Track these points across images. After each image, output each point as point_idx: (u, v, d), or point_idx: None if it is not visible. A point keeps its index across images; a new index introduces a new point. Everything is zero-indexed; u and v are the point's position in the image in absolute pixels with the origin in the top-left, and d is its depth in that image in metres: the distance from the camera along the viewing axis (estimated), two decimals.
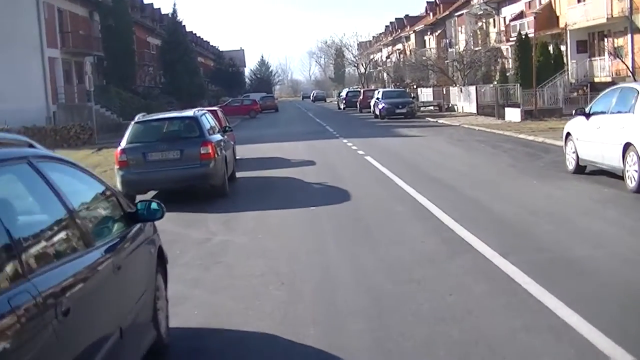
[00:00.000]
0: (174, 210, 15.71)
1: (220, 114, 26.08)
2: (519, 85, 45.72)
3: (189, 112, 18.94)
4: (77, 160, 6.60)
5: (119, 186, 17.13)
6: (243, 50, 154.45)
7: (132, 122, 17.91)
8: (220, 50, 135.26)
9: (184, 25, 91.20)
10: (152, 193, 18.00)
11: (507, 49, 61.02)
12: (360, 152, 26.93)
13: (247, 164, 25.17)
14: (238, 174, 21.60)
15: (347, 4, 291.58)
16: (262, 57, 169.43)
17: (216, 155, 17.14)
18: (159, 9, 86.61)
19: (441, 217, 12.84)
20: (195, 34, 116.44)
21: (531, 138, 29.05)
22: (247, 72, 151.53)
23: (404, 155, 25.71)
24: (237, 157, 26.38)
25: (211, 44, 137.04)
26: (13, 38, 46.23)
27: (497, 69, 61.26)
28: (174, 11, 74.19)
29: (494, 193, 15.72)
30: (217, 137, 18.59)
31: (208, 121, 18.72)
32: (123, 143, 17.28)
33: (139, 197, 17.09)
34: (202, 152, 16.86)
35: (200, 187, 17.56)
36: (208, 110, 23.30)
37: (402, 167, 21.39)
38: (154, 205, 6.52)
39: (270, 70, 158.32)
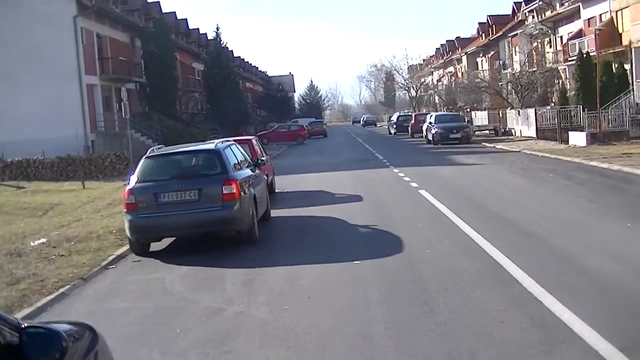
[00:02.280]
0: (188, 263, 13.19)
1: (255, 143, 23.42)
2: (581, 107, 42.56)
3: (209, 145, 16.11)
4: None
5: (127, 232, 14.51)
6: (292, 75, 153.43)
7: (143, 157, 15.25)
8: (269, 75, 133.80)
9: (232, 51, 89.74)
10: (167, 241, 15.37)
11: (564, 69, 58.12)
12: (414, 184, 23.92)
13: (286, 199, 22.48)
14: (274, 212, 18.83)
15: (396, 27, 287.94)
16: (312, 81, 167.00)
17: (242, 195, 14.34)
18: (205, 34, 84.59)
19: (522, 279, 9.84)
20: (244, 59, 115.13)
21: (605, 166, 25.83)
22: (296, 97, 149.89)
23: (463, 188, 22.66)
24: (276, 190, 23.95)
25: (260, 69, 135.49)
26: (50, 65, 44.91)
27: (553, 90, 58.51)
28: (217, 35, 71.95)
29: (582, 241, 12.57)
30: (245, 172, 15.81)
31: (234, 154, 15.90)
32: (132, 182, 14.60)
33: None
34: (224, 191, 14.05)
35: (223, 234, 14.77)
36: (240, 140, 20.72)
37: (463, 204, 18.39)
38: (50, 336, 3.70)
39: (319, 95, 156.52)
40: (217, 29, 72.30)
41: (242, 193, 14.41)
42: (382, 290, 10.04)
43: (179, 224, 14.06)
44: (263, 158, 21.86)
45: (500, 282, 9.91)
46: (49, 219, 21.31)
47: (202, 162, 15.45)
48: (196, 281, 11.81)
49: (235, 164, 15.39)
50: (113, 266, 13.73)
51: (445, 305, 8.95)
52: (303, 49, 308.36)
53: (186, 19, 77.34)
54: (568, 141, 40.02)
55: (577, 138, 39.15)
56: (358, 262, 12.04)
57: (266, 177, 20.13)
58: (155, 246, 14.95)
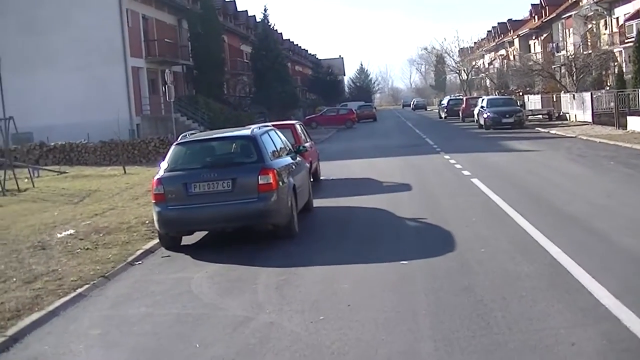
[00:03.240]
0: (220, 259, 12.09)
1: (298, 129, 22.23)
2: (639, 90, 40.83)
3: (245, 131, 14.87)
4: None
5: (156, 225, 13.50)
6: (342, 58, 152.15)
7: (174, 144, 14.20)
8: (319, 58, 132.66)
9: (281, 33, 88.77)
10: (200, 234, 14.33)
11: (620, 51, 56.35)
12: (466, 172, 22.64)
13: (331, 187, 21.41)
14: (317, 201, 17.75)
15: (448, 9, 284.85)
16: (362, 65, 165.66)
17: (280, 185, 13.22)
18: (254, 16, 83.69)
19: (592, 287, 8.58)
20: (293, 42, 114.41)
21: None
22: (346, 80, 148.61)
23: (518, 177, 21.32)
24: (321, 178, 22.96)
25: (310, 52, 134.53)
26: (95, 47, 44.79)
27: (608, 73, 56.77)
28: (265, 17, 70.94)
29: None
30: (284, 160, 14.67)
31: (272, 141, 14.73)
32: (161, 171, 13.56)
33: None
34: (260, 181, 12.92)
35: (259, 227, 13.67)
36: (282, 126, 19.70)
37: (519, 195, 17.12)
38: None
39: (369, 78, 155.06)
40: (265, 10, 71.89)
41: (280, 183, 13.29)
42: (432, 299, 8.81)
43: (210, 216, 12.97)
44: (306, 144, 20.77)
45: (567, 291, 8.64)
46: (83, 207, 20.43)
47: (237, 150, 14.32)
48: (226, 282, 10.69)
49: (273, 151, 14.24)
50: (139, 262, 12.71)
51: (505, 320, 7.71)
52: (353, 32, 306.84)
53: (234, 1, 76.54)
54: (626, 126, 38.30)
55: (637, 123, 37.40)
56: (405, 262, 10.84)
57: (309, 165, 19.05)
58: (186, 239, 13.93)
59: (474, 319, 7.84)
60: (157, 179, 13.31)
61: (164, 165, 13.66)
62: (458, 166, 24.75)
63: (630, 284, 8.73)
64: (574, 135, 37.57)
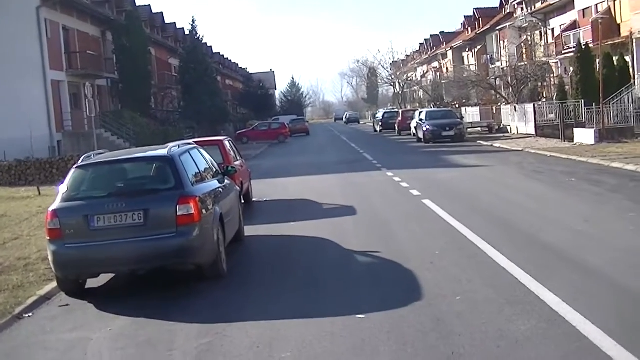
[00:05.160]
0: (129, 311, 9.66)
1: (227, 146, 19.78)
2: (582, 102, 39.42)
3: (161, 150, 12.12)
4: None
5: (52, 267, 10.98)
6: (273, 72, 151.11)
7: (74, 167, 11.64)
8: (250, 72, 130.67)
9: (210, 46, 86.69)
10: (108, 274, 11.82)
11: (556, 63, 55.33)
12: (414, 191, 20.41)
13: (264, 211, 19.12)
14: (249, 229, 15.36)
15: (378, 22, 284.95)
16: (293, 78, 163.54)
17: (203, 215, 10.82)
18: (182, 28, 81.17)
19: (617, 356, 6.41)
20: (223, 55, 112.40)
21: (632, 168, 22.42)
22: (277, 94, 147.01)
23: (474, 198, 19.07)
24: (253, 199, 20.70)
25: (241, 66, 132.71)
26: (11, 59, 41.47)
27: (544, 85, 55.80)
28: (193, 28, 68.27)
29: None
30: (209, 185, 12.20)
31: (194, 162, 12.21)
32: (57, 200, 11.02)
33: None
34: (179, 212, 10.44)
35: (178, 268, 11.15)
36: (208, 142, 17.39)
37: (483, 220, 14.86)
38: None
39: (301, 92, 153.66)
40: (193, 21, 68.55)
41: (204, 212, 10.85)
42: None
43: (118, 256, 10.42)
44: (236, 163, 18.42)
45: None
46: None
47: (151, 174, 11.68)
48: (133, 347, 8.20)
49: (195, 174, 11.75)
50: (29, 314, 10.15)
51: None
52: (284, 46, 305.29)
53: (162, 13, 74.63)
54: (573, 139, 36.85)
55: (584, 135, 35.96)
56: (362, 316, 8.47)
57: (240, 187, 16.69)
58: (92, 282, 11.43)
59: None
60: (52, 210, 10.71)
61: (62, 190, 11.12)
62: (404, 185, 22.52)
63: None
64: (520, 149, 35.87)
